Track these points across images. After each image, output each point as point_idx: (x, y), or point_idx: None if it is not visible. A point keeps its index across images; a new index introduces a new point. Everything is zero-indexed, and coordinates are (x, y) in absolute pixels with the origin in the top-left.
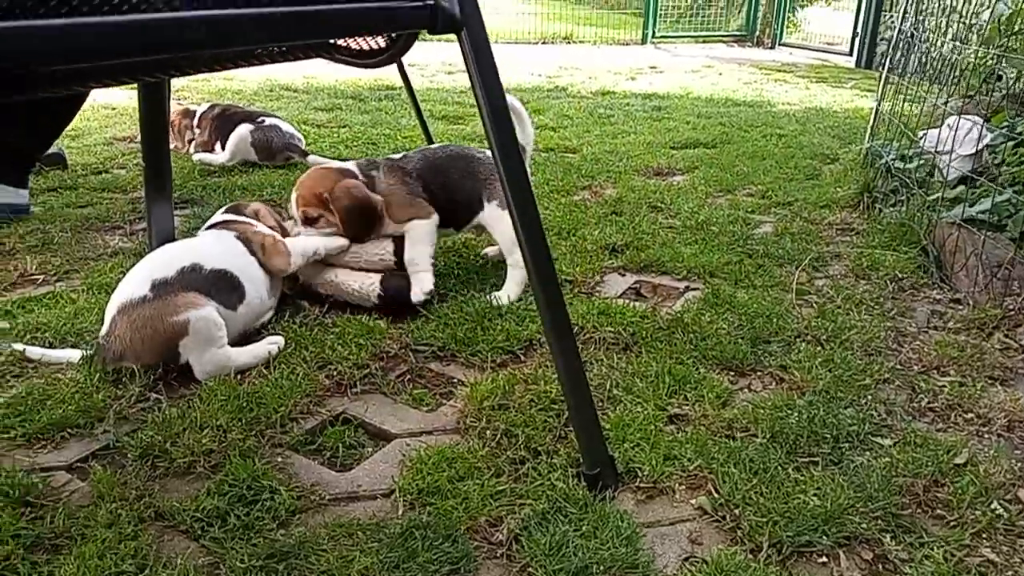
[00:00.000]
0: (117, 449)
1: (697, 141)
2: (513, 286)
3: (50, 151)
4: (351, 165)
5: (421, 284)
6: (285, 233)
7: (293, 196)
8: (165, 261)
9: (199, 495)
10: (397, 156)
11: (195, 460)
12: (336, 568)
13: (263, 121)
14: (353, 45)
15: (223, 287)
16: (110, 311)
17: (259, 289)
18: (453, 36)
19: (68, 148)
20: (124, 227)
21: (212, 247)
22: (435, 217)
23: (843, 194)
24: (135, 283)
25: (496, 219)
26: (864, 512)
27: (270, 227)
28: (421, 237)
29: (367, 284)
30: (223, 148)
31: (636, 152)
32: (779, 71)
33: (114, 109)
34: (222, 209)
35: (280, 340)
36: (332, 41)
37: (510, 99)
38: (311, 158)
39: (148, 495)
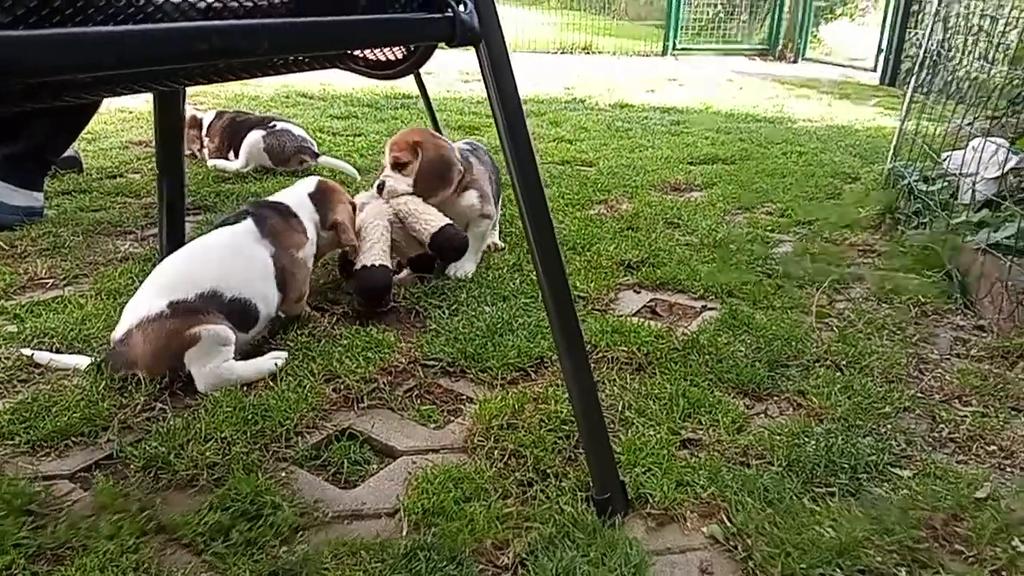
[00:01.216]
0: (120, 459)
1: (716, 157)
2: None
3: (66, 154)
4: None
5: (465, 269)
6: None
7: (389, 143)
8: (185, 278)
9: (202, 508)
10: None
11: (198, 473)
12: None
13: (274, 126)
14: (371, 56)
15: (239, 312)
16: (126, 320)
17: (270, 308)
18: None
19: (84, 151)
20: (136, 232)
21: (234, 267)
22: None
23: (865, 214)
24: (152, 297)
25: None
26: (880, 545)
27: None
28: (481, 235)
29: (431, 222)
30: (235, 155)
31: (653, 167)
32: (801, 86)
33: (130, 113)
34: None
35: (283, 355)
36: (349, 52)
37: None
38: (323, 159)
39: (150, 507)
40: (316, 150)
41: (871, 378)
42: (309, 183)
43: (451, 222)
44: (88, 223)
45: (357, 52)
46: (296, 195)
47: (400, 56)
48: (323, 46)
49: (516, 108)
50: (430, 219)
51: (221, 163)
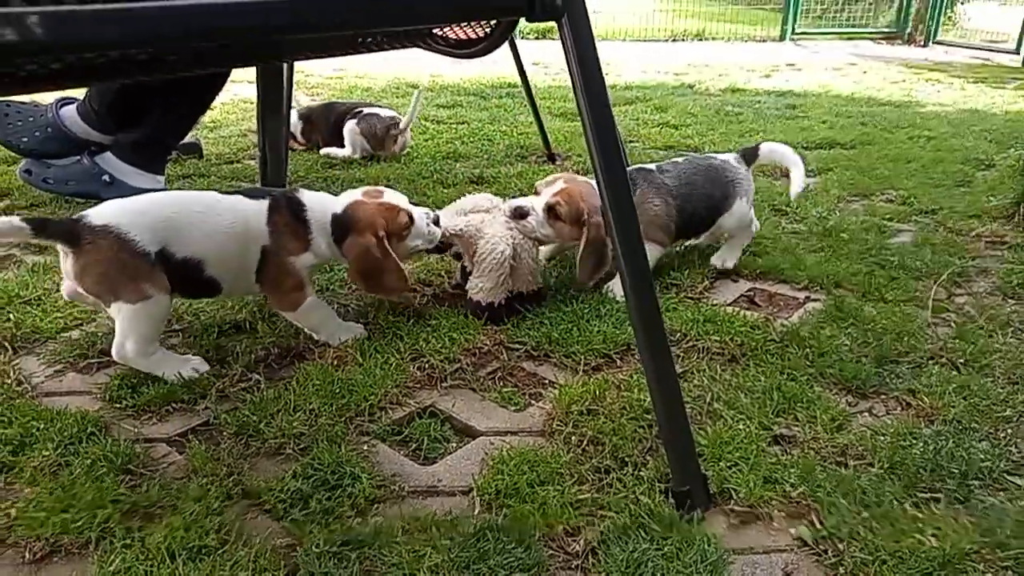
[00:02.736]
0: (215, 426)
1: (833, 141)
2: (733, 254)
3: (187, 140)
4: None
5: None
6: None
7: (556, 185)
8: (170, 224)
9: (285, 476)
10: (652, 167)
11: (286, 442)
12: (407, 562)
13: (361, 111)
14: (451, 34)
15: (196, 281)
16: (96, 215)
17: (235, 290)
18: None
19: (205, 139)
20: None
21: (218, 240)
22: (665, 249)
23: (996, 203)
24: (131, 216)
25: (738, 218)
26: (991, 560)
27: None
28: (652, 264)
29: (497, 290)
30: (339, 144)
31: None
32: (931, 70)
33: (250, 103)
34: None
35: (205, 367)
36: (430, 30)
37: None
38: (402, 122)
39: (238, 472)
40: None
41: (991, 379)
42: (347, 197)
43: (542, 285)
44: None
45: (438, 30)
46: (322, 206)
47: (481, 34)
48: (396, 21)
49: (600, 87)
50: (531, 280)
51: (332, 150)
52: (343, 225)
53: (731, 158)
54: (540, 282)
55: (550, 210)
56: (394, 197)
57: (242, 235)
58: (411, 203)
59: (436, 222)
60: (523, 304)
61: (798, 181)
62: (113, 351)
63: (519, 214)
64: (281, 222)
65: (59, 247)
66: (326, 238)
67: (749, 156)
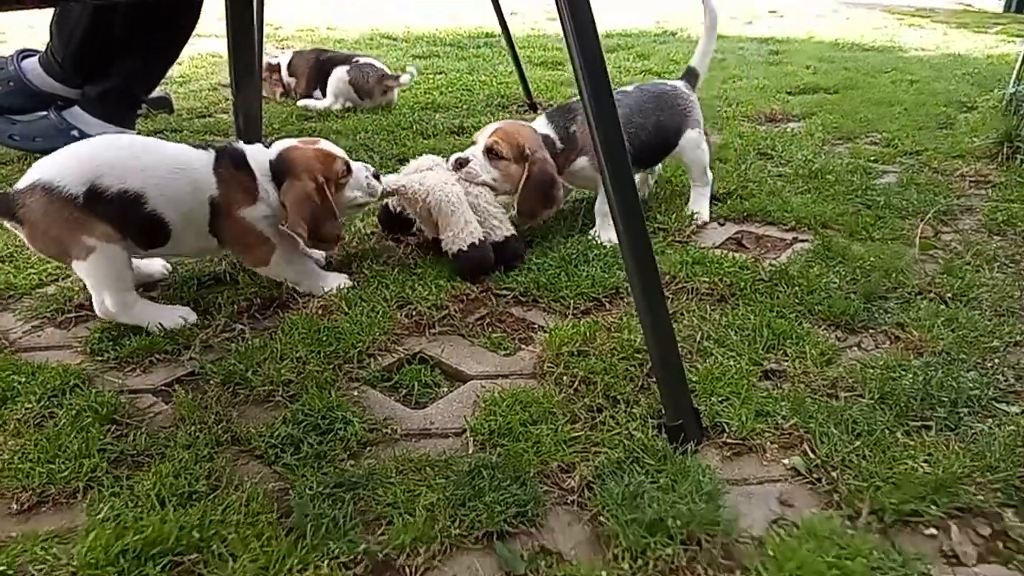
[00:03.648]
0: (201, 375)
1: (817, 86)
2: (703, 202)
3: (158, 95)
4: (543, 124)
5: (609, 233)
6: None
7: (490, 128)
8: (112, 169)
9: (275, 422)
10: None
11: (274, 389)
12: (402, 501)
13: (357, 60)
14: None
15: (149, 227)
16: (35, 174)
17: (185, 244)
18: None
19: (175, 93)
20: None
21: (167, 184)
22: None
23: (979, 144)
24: (74, 170)
25: (692, 145)
26: (982, 483)
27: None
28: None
29: (498, 230)
30: (322, 93)
31: (747, 97)
32: (914, 16)
33: (220, 57)
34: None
35: (193, 316)
36: None
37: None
38: (404, 78)
39: (226, 420)
40: (397, 74)
41: (978, 311)
42: (280, 145)
43: (514, 233)
44: None
45: None
46: (261, 154)
47: None
48: None
49: (592, 38)
50: (497, 226)
51: (310, 103)
52: (280, 170)
53: (681, 84)
54: (511, 229)
55: (489, 151)
56: (330, 146)
57: (189, 180)
58: (389, 173)
59: (376, 176)
60: (505, 255)
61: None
62: (96, 310)
63: (459, 163)
64: (227, 173)
65: (6, 224)
66: (270, 184)
67: (692, 78)
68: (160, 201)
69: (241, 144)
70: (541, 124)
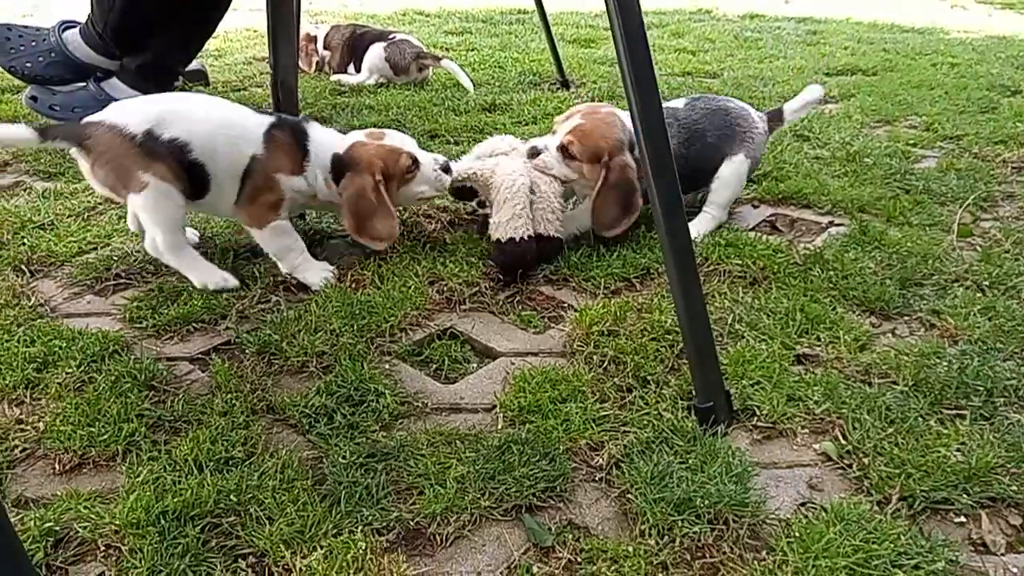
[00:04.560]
0: (237, 345)
1: (855, 67)
2: (705, 224)
3: (193, 67)
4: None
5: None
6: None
7: (573, 119)
8: (178, 118)
9: (309, 392)
10: (674, 103)
11: (308, 360)
12: (433, 472)
13: (394, 37)
14: None
15: (198, 177)
16: (108, 113)
17: (221, 199)
18: None
19: (211, 66)
20: None
21: (219, 139)
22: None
23: (1022, 129)
24: (140, 113)
25: (732, 175)
26: (1016, 474)
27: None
28: None
29: (550, 226)
30: (356, 69)
31: (783, 78)
32: None
33: (256, 31)
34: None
35: (235, 282)
36: None
37: None
38: (444, 62)
39: (261, 389)
40: (437, 54)
41: (1016, 300)
42: (350, 139)
43: (561, 238)
44: None
45: None
46: (328, 141)
47: None
48: None
49: (636, 15)
50: (552, 220)
51: (344, 78)
52: (343, 164)
53: (752, 111)
54: (562, 231)
55: (563, 149)
56: (398, 139)
57: (234, 136)
58: (422, 148)
59: (446, 169)
60: (546, 251)
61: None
62: (146, 246)
63: (533, 152)
64: (280, 139)
65: (70, 150)
66: (324, 173)
67: (774, 119)
68: (204, 152)
69: (314, 125)
70: (626, 117)
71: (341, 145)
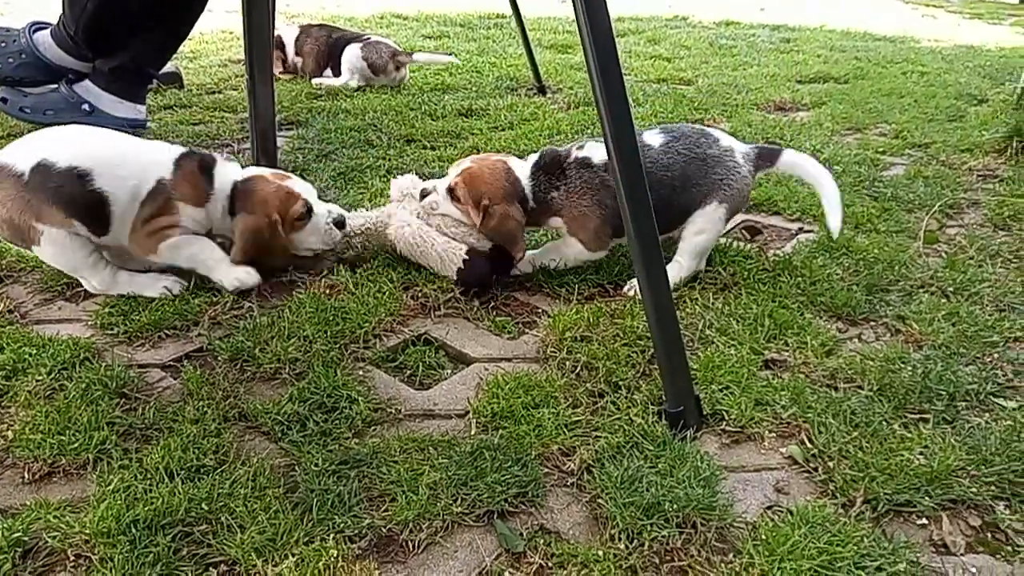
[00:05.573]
0: (209, 352)
1: (827, 75)
2: (673, 273)
3: (168, 70)
4: (526, 174)
5: (524, 265)
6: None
7: (463, 164)
8: (79, 155)
9: (281, 400)
10: (599, 160)
11: (281, 367)
12: (405, 479)
13: (368, 39)
14: None
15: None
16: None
17: (122, 233)
18: None
19: (185, 69)
20: (232, 144)
21: (123, 171)
22: (601, 254)
23: (989, 138)
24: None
25: (704, 223)
26: (976, 476)
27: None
28: (570, 257)
29: (459, 252)
30: (335, 72)
31: (757, 85)
32: (927, 5)
33: (230, 33)
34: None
35: (179, 284)
36: None
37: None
38: (417, 55)
39: (234, 396)
40: (408, 51)
41: (980, 306)
42: (248, 172)
43: (479, 251)
44: (188, 136)
45: None
46: (232, 171)
47: None
48: None
49: (604, 20)
50: (477, 239)
51: (326, 81)
52: (238, 198)
53: (738, 147)
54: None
55: (451, 191)
56: (299, 185)
57: (142, 161)
58: (322, 199)
59: (340, 225)
60: (499, 260)
61: (834, 205)
62: (87, 287)
63: (423, 194)
64: (188, 168)
65: None
66: (223, 203)
67: (766, 158)
68: (108, 178)
69: (219, 155)
70: (524, 171)
71: (241, 175)
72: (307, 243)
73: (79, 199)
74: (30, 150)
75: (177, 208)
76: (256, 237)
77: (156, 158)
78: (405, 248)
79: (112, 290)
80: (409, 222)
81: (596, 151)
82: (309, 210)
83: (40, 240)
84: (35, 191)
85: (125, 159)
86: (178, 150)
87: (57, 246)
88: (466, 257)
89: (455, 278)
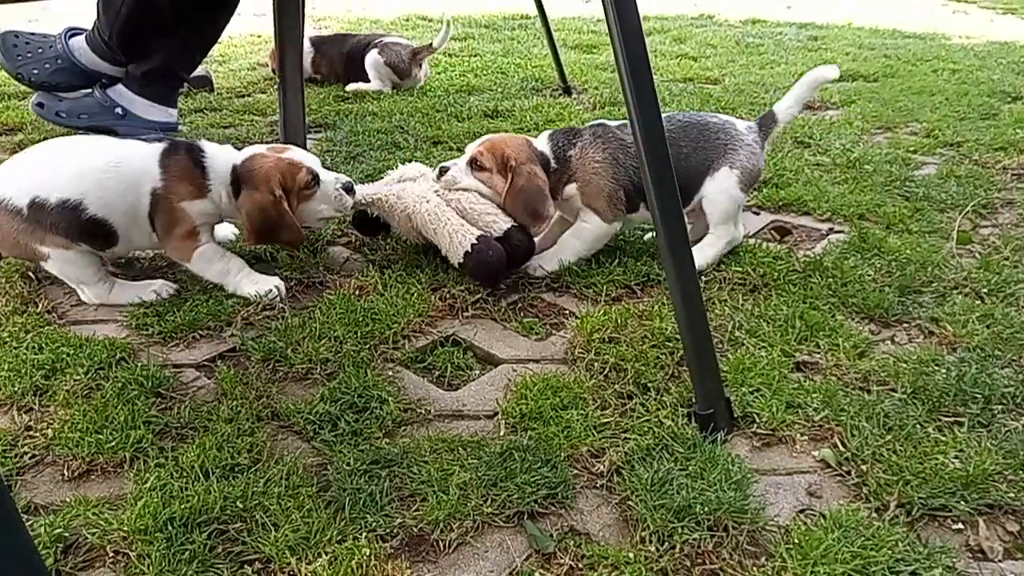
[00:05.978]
0: (242, 352)
1: (856, 73)
2: (709, 249)
3: (198, 73)
4: (543, 141)
5: (549, 263)
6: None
7: (478, 143)
8: (53, 180)
9: (313, 400)
10: (615, 123)
11: (312, 367)
12: (436, 479)
13: (382, 41)
14: None
15: (98, 230)
16: None
17: (134, 239)
18: None
19: (215, 72)
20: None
21: (107, 186)
22: (616, 226)
23: (1023, 136)
24: (15, 187)
25: (718, 191)
26: (1013, 480)
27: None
28: (588, 238)
29: (497, 223)
30: (352, 79)
31: (784, 83)
32: (960, 1)
33: (259, 36)
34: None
35: (172, 286)
36: None
37: None
38: (435, 43)
39: (266, 396)
40: (426, 45)
41: (1015, 307)
42: (246, 152)
43: (515, 224)
44: (218, 139)
45: None
46: (224, 156)
47: None
48: None
49: (633, 15)
50: (492, 221)
51: (362, 86)
52: (240, 178)
53: (738, 122)
54: (509, 220)
55: (472, 162)
56: (299, 155)
57: (127, 175)
58: (326, 167)
59: (349, 190)
60: (511, 246)
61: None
62: (83, 298)
63: (441, 171)
64: (175, 166)
65: None
66: (226, 188)
67: (767, 124)
68: (101, 206)
69: (205, 143)
70: (541, 141)
71: (239, 157)
72: (319, 212)
73: (78, 226)
74: (23, 184)
75: (183, 210)
76: (263, 214)
77: (140, 167)
78: (420, 222)
79: (107, 302)
80: (428, 197)
81: (611, 122)
82: (315, 178)
83: (48, 258)
84: (35, 223)
85: (110, 181)
86: (158, 148)
87: (66, 262)
88: (475, 242)
89: (460, 261)
